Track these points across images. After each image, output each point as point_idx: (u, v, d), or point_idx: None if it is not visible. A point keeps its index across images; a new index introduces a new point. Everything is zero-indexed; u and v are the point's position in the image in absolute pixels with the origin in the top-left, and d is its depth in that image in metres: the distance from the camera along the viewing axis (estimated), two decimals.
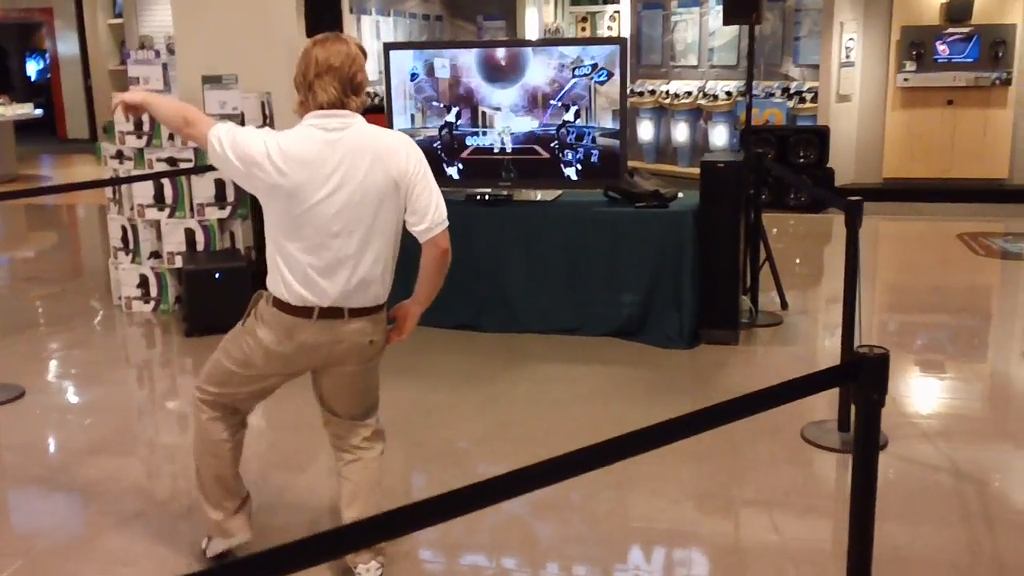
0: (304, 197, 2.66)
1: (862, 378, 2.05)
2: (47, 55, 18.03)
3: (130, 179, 5.83)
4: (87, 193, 10.08)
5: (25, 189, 6.38)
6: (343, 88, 2.70)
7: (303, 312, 2.72)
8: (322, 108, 2.70)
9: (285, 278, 2.72)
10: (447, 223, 2.80)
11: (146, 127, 5.87)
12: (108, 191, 6.28)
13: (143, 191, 5.90)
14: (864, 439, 2.10)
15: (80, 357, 5.41)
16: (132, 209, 5.97)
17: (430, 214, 2.76)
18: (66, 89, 17.32)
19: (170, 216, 5.91)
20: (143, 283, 6.04)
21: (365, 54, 2.82)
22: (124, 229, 6.07)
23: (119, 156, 6.00)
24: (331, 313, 2.72)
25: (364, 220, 2.70)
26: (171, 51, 6.08)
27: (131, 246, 6.06)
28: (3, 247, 8.78)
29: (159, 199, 5.89)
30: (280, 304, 2.74)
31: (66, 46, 17.12)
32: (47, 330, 5.97)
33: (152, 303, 6.06)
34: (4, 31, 18.64)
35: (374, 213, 2.71)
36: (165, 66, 5.95)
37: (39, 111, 13.57)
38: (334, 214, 2.67)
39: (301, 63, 2.75)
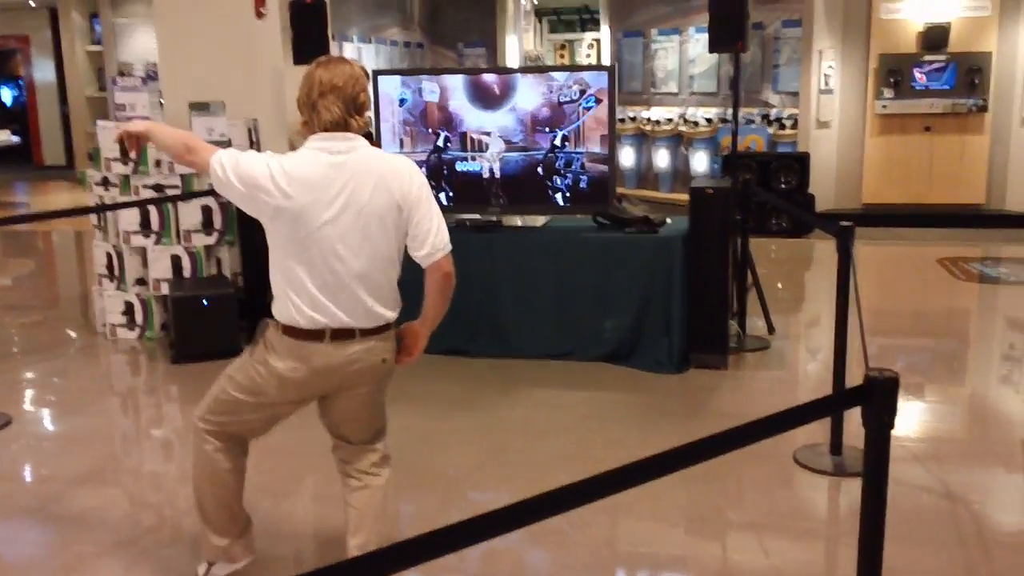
0: (309, 219, 2.66)
1: (874, 401, 2.06)
2: (21, 82, 17.95)
3: (116, 206, 5.80)
4: (63, 220, 10.00)
5: (8, 217, 6.33)
6: (346, 108, 2.71)
7: (315, 335, 2.71)
8: (326, 129, 2.71)
9: (294, 302, 2.71)
10: (449, 247, 2.83)
11: (132, 154, 5.82)
12: (93, 218, 6.24)
13: (129, 217, 5.86)
14: (875, 462, 2.12)
15: (65, 385, 5.35)
16: (118, 236, 5.93)
17: (430, 239, 2.78)
18: (42, 116, 17.24)
19: (156, 243, 5.87)
20: (128, 310, 5.99)
21: (368, 76, 2.84)
22: (109, 256, 6.03)
23: (104, 183, 5.97)
24: (343, 334, 2.72)
25: (369, 241, 2.71)
26: (152, 77, 6.07)
27: (116, 272, 6.01)
28: None
29: (145, 225, 5.86)
30: (290, 330, 2.73)
31: (42, 73, 17.06)
32: (30, 358, 5.89)
33: (137, 330, 6.01)
34: None
35: (378, 234, 2.72)
36: (159, 92, 5.94)
37: (16, 138, 13.50)
38: (339, 235, 2.68)
39: (305, 85, 2.76)
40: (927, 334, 6.07)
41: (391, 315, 2.82)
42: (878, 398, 2.07)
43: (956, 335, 6.20)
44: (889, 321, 6.50)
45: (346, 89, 2.72)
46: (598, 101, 5.18)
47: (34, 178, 15.98)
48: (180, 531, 3.57)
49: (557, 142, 5.25)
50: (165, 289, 5.83)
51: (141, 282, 5.96)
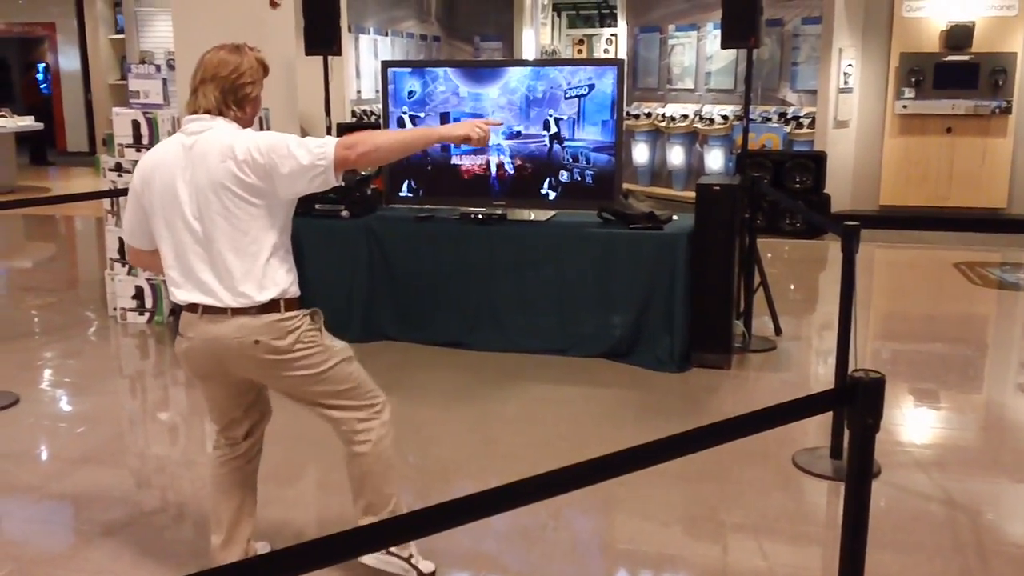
0: (161, 202, 2.78)
1: (857, 402, 2.05)
2: (43, 67, 18.09)
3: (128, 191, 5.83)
4: (85, 205, 10.09)
5: (23, 199, 6.40)
6: (224, 98, 2.74)
7: (191, 309, 2.78)
8: (194, 112, 2.77)
9: (166, 280, 2.78)
10: (329, 142, 2.66)
11: (145, 140, 5.89)
12: (106, 203, 6.29)
13: None
14: (858, 464, 2.10)
15: (74, 367, 5.41)
16: None
17: (298, 152, 2.64)
18: (67, 103, 17.39)
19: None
20: (138, 295, 6.06)
21: (266, 70, 2.83)
22: (121, 241, 6.07)
23: (118, 168, 6.02)
24: (213, 311, 2.74)
25: (214, 218, 2.71)
26: (171, 67, 6.11)
27: (127, 257, 6.05)
28: (1, 257, 8.78)
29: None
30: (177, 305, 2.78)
31: (67, 60, 17.20)
32: (42, 339, 5.96)
33: (147, 315, 6.07)
34: (6, 45, 18.71)
35: (222, 212, 2.70)
36: (165, 81, 5.98)
37: (40, 124, 13.63)
38: (187, 214, 2.76)
39: (196, 67, 2.78)
40: (941, 340, 6.01)
41: (266, 295, 2.68)
42: (862, 399, 2.06)
43: (971, 341, 6.14)
44: (902, 325, 6.45)
45: (228, 79, 2.71)
46: (606, 96, 5.17)
47: (57, 164, 16.14)
48: (183, 513, 3.62)
49: (563, 136, 5.25)
50: None
51: None
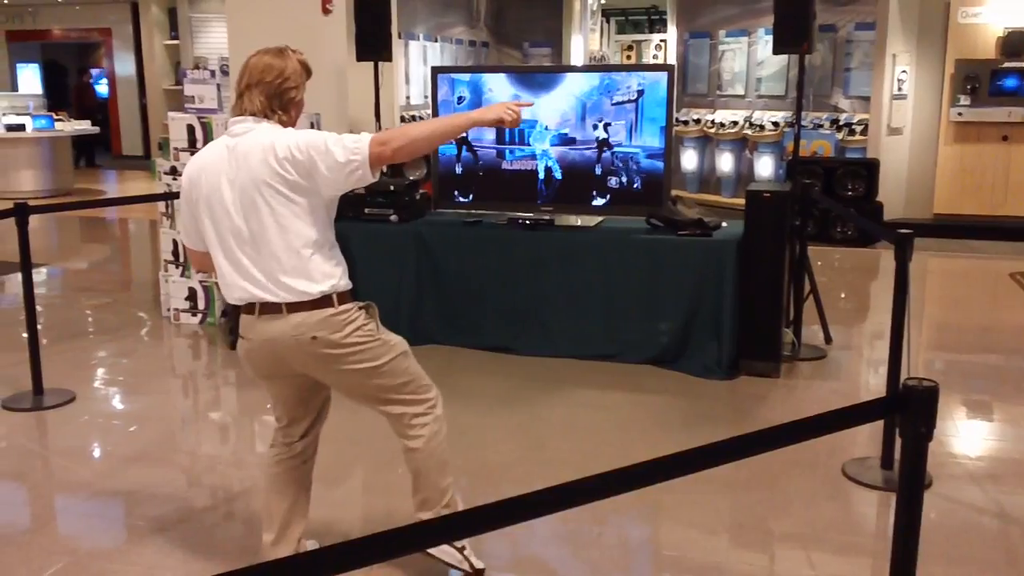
0: (208, 202, 2.84)
1: (910, 411, 2.03)
2: (95, 72, 18.48)
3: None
4: (140, 208, 10.31)
5: (81, 201, 6.54)
6: (269, 102, 2.77)
7: (248, 310, 2.83)
8: (240, 114, 2.82)
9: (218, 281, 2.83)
10: (365, 137, 2.68)
11: (200, 144, 5.99)
12: (161, 206, 6.41)
13: None
14: (910, 474, 2.08)
15: (128, 366, 5.51)
16: None
17: (336, 151, 2.66)
18: (122, 107, 17.74)
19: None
20: (191, 296, 6.16)
21: (309, 73, 2.86)
22: (175, 243, 6.19)
23: (173, 172, 6.14)
24: (269, 308, 2.79)
25: (259, 215, 2.77)
26: (224, 72, 6.21)
27: (181, 259, 6.18)
28: (58, 258, 8.97)
29: None
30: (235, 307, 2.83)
31: (123, 65, 17.55)
32: (97, 339, 6.09)
33: (200, 316, 6.18)
34: (64, 50, 19.14)
35: (267, 208, 2.75)
36: (219, 86, 6.08)
37: (96, 128, 13.93)
38: (232, 213, 2.80)
39: (240, 71, 2.82)
40: (996, 351, 5.90)
41: (317, 289, 2.71)
42: (915, 407, 2.03)
43: None
44: (956, 336, 6.35)
45: (273, 84, 2.75)
46: (656, 101, 5.15)
47: (113, 167, 16.47)
48: (232, 511, 3.67)
49: (612, 141, 5.25)
50: None
51: None
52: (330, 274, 2.75)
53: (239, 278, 2.77)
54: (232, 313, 5.67)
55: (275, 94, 2.75)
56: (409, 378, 2.91)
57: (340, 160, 2.65)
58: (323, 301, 2.73)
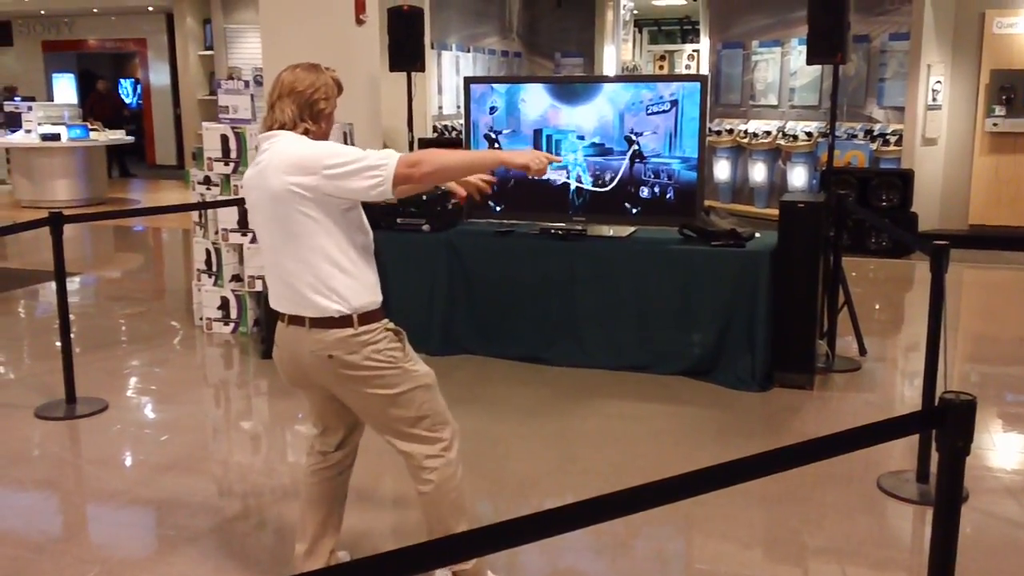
0: (251, 215, 2.92)
1: (947, 424, 2.00)
2: (138, 84, 18.69)
3: (216, 204, 6.00)
4: (173, 217, 10.41)
5: (115, 211, 6.61)
6: (300, 112, 2.78)
7: (280, 316, 2.87)
8: (271, 128, 2.82)
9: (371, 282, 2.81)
10: (392, 157, 2.64)
11: (233, 154, 6.04)
12: (195, 215, 6.46)
13: (228, 216, 6.06)
14: (947, 488, 2.04)
15: (160, 375, 5.56)
16: (217, 233, 6.14)
17: (362, 171, 2.63)
18: (156, 117, 17.95)
19: (252, 241, 6.05)
20: (224, 305, 6.20)
21: (340, 88, 2.87)
22: (208, 252, 6.24)
23: (207, 182, 6.19)
24: (295, 320, 2.81)
25: (284, 230, 2.78)
26: (258, 82, 6.26)
27: (214, 269, 6.22)
28: (92, 267, 9.08)
29: (243, 224, 6.04)
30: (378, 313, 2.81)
31: (157, 76, 17.76)
32: (130, 348, 6.14)
33: (232, 325, 6.21)
34: (99, 60, 19.41)
35: (290, 224, 2.75)
36: (253, 96, 6.13)
37: (131, 137, 14.09)
38: (260, 226, 2.87)
39: (272, 84, 2.84)
40: None
41: (335, 307, 2.69)
42: (952, 421, 2.00)
43: None
44: (992, 348, 6.26)
45: (304, 94, 2.76)
46: (689, 112, 5.13)
47: (147, 177, 16.66)
48: (264, 521, 3.68)
49: (644, 152, 5.23)
50: (259, 286, 6.00)
51: (237, 279, 6.16)
52: (351, 293, 2.72)
53: (272, 286, 2.84)
54: (265, 322, 5.71)
55: (306, 104, 2.76)
56: (425, 414, 2.83)
57: (362, 174, 2.62)
58: (342, 320, 2.71)
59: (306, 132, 2.76)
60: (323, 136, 2.83)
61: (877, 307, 7.27)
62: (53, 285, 4.93)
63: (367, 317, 2.74)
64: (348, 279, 2.73)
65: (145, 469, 4.19)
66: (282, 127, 2.76)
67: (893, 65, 10.07)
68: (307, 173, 2.64)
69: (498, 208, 5.58)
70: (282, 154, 2.70)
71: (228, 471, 4.26)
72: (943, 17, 9.71)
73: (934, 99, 9.75)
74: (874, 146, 10.03)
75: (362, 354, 2.72)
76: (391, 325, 2.81)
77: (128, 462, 4.31)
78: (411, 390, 2.80)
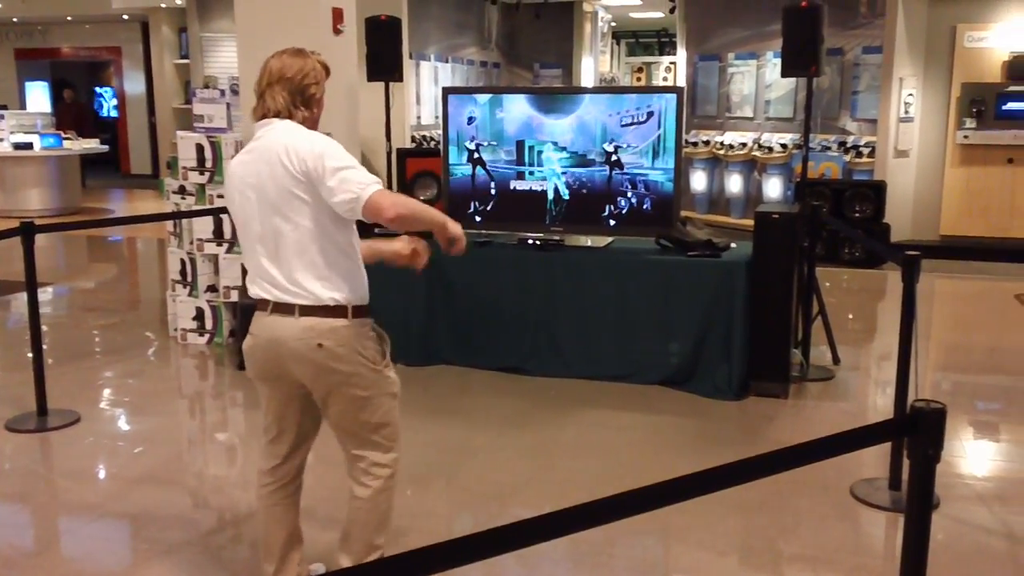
0: (234, 206, 2.89)
1: (918, 433, 2.02)
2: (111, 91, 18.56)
3: (191, 213, 5.97)
4: (147, 227, 10.34)
5: (87, 221, 6.56)
6: (292, 99, 2.79)
7: (261, 306, 2.82)
8: (264, 116, 2.81)
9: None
10: (374, 184, 2.66)
11: (208, 163, 6.02)
12: (169, 225, 6.43)
13: (203, 226, 6.03)
14: (918, 495, 2.07)
15: (134, 386, 5.51)
16: (192, 243, 6.11)
17: (343, 187, 2.65)
18: (131, 126, 17.83)
19: (228, 251, 6.02)
20: (199, 316, 6.16)
21: (327, 72, 2.88)
22: (183, 262, 6.20)
23: (181, 191, 6.16)
24: (282, 308, 2.77)
25: (279, 216, 2.78)
26: (234, 91, 6.24)
27: (189, 279, 6.19)
28: (65, 277, 9.00)
29: (218, 234, 6.02)
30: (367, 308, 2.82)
31: (132, 84, 17.65)
32: (103, 359, 6.09)
33: (207, 336, 6.17)
34: (74, 68, 19.27)
35: (287, 209, 2.76)
36: (228, 105, 6.11)
37: (105, 147, 13.98)
38: (253, 215, 2.83)
39: (259, 73, 2.83)
40: (1003, 372, 5.88)
41: (331, 295, 2.70)
42: (923, 429, 2.02)
43: None
44: (963, 357, 6.33)
45: (294, 80, 2.76)
46: (665, 123, 5.17)
47: (121, 186, 16.53)
48: (240, 534, 3.65)
49: (622, 162, 5.26)
50: (234, 296, 5.97)
51: (212, 289, 6.13)
52: (347, 284, 2.74)
53: (257, 275, 2.77)
54: (240, 332, 5.68)
55: (297, 90, 2.77)
56: (388, 422, 2.86)
57: (340, 187, 2.62)
58: (337, 310, 2.71)
59: (303, 120, 2.78)
60: (316, 121, 2.84)
61: (850, 317, 7.33)
62: (24, 295, 4.88)
63: (360, 311, 2.77)
64: (348, 271, 2.76)
65: (118, 482, 4.15)
66: (276, 115, 2.75)
67: (866, 78, 10.18)
68: (309, 161, 2.64)
69: (478, 218, 5.59)
70: (283, 141, 2.69)
71: (203, 483, 4.23)
72: (915, 31, 9.84)
73: (906, 112, 9.86)
74: (847, 158, 10.13)
75: (351, 347, 2.72)
76: (377, 328, 2.83)
77: (101, 475, 4.27)
78: (381, 395, 2.82)
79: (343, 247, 2.76)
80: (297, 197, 2.67)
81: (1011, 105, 9.60)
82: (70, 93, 17.32)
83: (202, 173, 6.04)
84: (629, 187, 5.28)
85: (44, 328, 5.11)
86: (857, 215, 9.08)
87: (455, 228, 2.91)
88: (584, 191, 5.36)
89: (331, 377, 2.74)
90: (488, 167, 5.51)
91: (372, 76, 7.02)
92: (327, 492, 3.42)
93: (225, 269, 6.03)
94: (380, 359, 2.81)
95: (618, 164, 5.28)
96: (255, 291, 2.79)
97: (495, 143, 5.48)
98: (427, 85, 11.93)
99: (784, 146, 10.77)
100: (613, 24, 16.21)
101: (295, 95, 2.76)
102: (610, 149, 5.27)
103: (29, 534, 3.70)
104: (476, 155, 5.50)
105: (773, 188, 10.79)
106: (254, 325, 2.82)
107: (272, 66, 2.79)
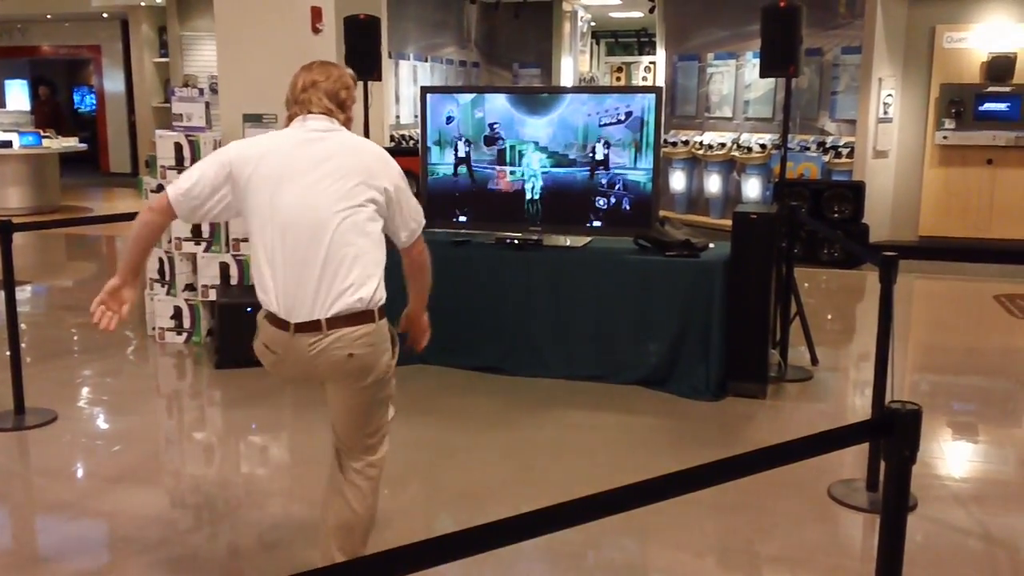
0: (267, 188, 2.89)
1: (894, 434, 2.03)
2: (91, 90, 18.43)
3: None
4: (127, 225, 10.24)
5: (65, 219, 6.51)
6: (331, 102, 2.85)
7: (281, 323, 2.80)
8: (310, 112, 2.86)
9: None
10: (423, 222, 3.00)
11: (187, 162, 5.98)
12: None
13: (181, 224, 5.98)
14: (894, 496, 2.08)
15: (112, 385, 5.48)
16: (170, 242, 6.07)
17: (410, 221, 2.97)
18: (111, 124, 17.71)
19: (206, 250, 5.99)
20: (177, 315, 6.12)
21: (355, 80, 2.98)
22: (161, 261, 6.17)
23: (160, 190, 6.11)
24: (307, 324, 2.74)
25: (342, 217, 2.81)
26: (214, 90, 6.21)
27: (167, 278, 6.15)
28: (43, 276, 8.92)
29: (196, 233, 5.98)
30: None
31: (112, 83, 17.53)
32: (81, 358, 6.05)
33: (185, 335, 6.14)
34: (53, 66, 19.12)
35: (355, 212, 2.81)
36: (208, 104, 6.07)
37: (84, 145, 13.88)
38: (303, 209, 2.84)
39: (290, 87, 2.89)
40: (980, 372, 5.93)
41: (358, 295, 2.70)
42: (899, 431, 2.03)
43: (1011, 375, 6.03)
44: (941, 357, 6.37)
45: (328, 86, 2.82)
46: (644, 123, 5.18)
47: (100, 184, 16.40)
48: (217, 533, 3.64)
49: (600, 162, 5.26)
50: (213, 295, 5.94)
51: (190, 288, 6.09)
52: (378, 287, 2.75)
53: (278, 283, 2.68)
54: (219, 331, 5.65)
55: (334, 93, 2.83)
56: (385, 422, 2.91)
57: (411, 216, 2.89)
58: (366, 315, 2.70)
59: (344, 122, 2.86)
60: (351, 124, 2.92)
61: (829, 317, 7.37)
62: (2, 294, 4.84)
63: (383, 312, 2.80)
64: (380, 277, 2.79)
65: (95, 481, 4.13)
66: (324, 113, 2.80)
67: (845, 78, 10.24)
68: (385, 176, 2.77)
69: (461, 218, 5.58)
70: (378, 151, 2.83)
71: (180, 482, 4.20)
72: (894, 31, 9.90)
73: (885, 112, 9.92)
74: (826, 158, 10.19)
75: (379, 354, 2.76)
76: (392, 329, 2.89)
77: (78, 474, 4.24)
78: (388, 398, 2.90)
79: (381, 257, 2.82)
80: (369, 202, 2.73)
81: (990, 106, 9.67)
82: (45, 90, 17.17)
83: (180, 172, 5.99)
84: (608, 187, 5.29)
85: (22, 326, 5.07)
86: (836, 215, 9.12)
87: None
88: (563, 191, 5.36)
89: (361, 381, 2.77)
90: (473, 168, 5.50)
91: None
92: (315, 492, 3.41)
93: (203, 268, 6.00)
94: (393, 363, 2.88)
95: (596, 164, 5.28)
96: (281, 309, 2.67)
97: (475, 142, 5.47)
98: (406, 84, 11.91)
99: (763, 146, 10.81)
100: (592, 24, 16.23)
101: (332, 98, 2.83)
102: (589, 149, 5.26)
103: (6, 533, 3.67)
104: (466, 155, 5.49)
105: (752, 188, 10.83)
106: (271, 341, 2.73)
107: (303, 76, 2.84)
